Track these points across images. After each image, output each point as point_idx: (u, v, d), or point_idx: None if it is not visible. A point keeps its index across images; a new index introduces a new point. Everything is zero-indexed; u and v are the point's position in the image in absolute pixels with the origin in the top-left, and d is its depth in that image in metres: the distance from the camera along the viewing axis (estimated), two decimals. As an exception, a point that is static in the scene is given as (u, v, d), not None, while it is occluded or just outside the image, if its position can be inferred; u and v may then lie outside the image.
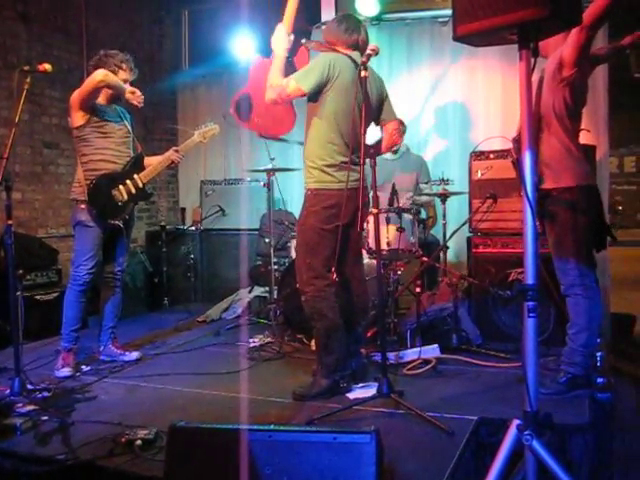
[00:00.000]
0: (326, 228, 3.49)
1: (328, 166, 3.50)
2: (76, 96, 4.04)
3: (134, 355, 4.41)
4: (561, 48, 3.27)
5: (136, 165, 4.32)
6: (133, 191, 4.25)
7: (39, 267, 5.35)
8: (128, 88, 4.15)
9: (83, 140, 4.13)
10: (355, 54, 3.58)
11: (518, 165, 2.16)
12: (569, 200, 3.34)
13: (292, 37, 3.64)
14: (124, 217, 4.24)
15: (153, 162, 4.40)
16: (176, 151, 4.45)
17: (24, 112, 3.71)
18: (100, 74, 3.98)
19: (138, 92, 4.18)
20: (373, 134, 3.72)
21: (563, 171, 3.37)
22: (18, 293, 3.58)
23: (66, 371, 4.04)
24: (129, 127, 4.36)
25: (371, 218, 4.00)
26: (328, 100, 3.49)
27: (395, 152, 5.57)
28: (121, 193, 4.20)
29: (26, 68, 3.58)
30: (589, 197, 3.40)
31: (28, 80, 3.49)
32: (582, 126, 3.54)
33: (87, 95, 4.03)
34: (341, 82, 3.46)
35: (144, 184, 4.31)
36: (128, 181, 4.24)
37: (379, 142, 3.76)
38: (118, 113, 4.31)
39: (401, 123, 5.48)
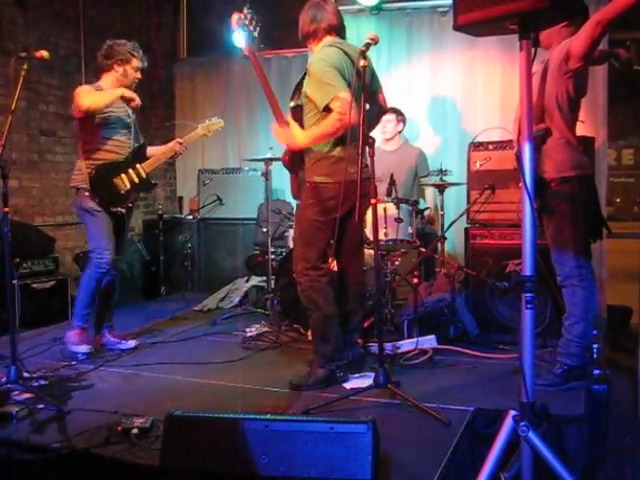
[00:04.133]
0: (322, 220, 3.49)
1: (326, 159, 3.47)
2: (82, 103, 4.00)
3: (131, 343, 4.41)
4: (569, 40, 3.25)
5: (138, 155, 4.32)
6: (136, 180, 4.25)
7: (36, 255, 5.34)
8: (126, 94, 4.17)
9: (86, 129, 4.14)
10: (338, 40, 3.53)
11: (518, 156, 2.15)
12: (569, 191, 3.34)
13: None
14: (127, 205, 4.26)
15: (156, 152, 4.41)
16: (179, 143, 4.46)
17: (21, 99, 3.67)
18: (102, 104, 4.02)
19: (137, 100, 4.22)
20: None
21: (563, 161, 3.37)
22: (14, 281, 3.55)
23: (84, 348, 4.11)
24: (132, 117, 4.36)
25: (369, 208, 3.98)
26: None
27: (389, 140, 5.55)
28: (123, 181, 4.20)
29: (23, 55, 3.55)
30: (588, 187, 3.41)
31: (25, 67, 3.46)
32: (579, 117, 3.54)
33: (92, 112, 4.04)
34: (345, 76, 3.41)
35: (147, 174, 4.31)
36: (130, 170, 4.24)
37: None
38: (122, 102, 4.29)
39: (400, 113, 5.52)
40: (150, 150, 4.43)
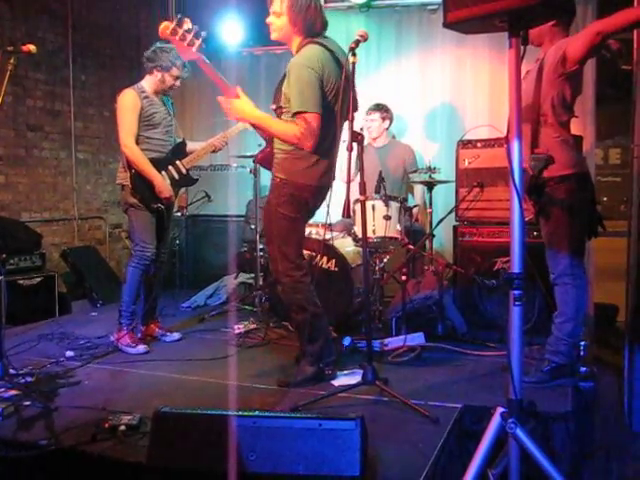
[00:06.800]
0: (298, 216, 3.46)
1: (301, 159, 3.38)
2: (125, 140, 4.15)
3: (176, 335, 4.58)
4: (565, 41, 3.28)
5: (178, 151, 4.44)
6: (176, 177, 4.39)
7: (22, 251, 5.31)
8: (161, 190, 4.23)
9: None
10: (322, 39, 3.39)
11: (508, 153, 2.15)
12: (566, 190, 3.34)
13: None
14: (167, 202, 4.33)
15: (196, 148, 4.50)
16: (220, 138, 4.54)
17: (7, 94, 3.65)
18: (137, 166, 4.17)
19: (166, 194, 4.27)
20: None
21: (560, 160, 3.36)
22: (1, 277, 3.53)
23: (142, 348, 4.21)
24: (172, 115, 4.46)
25: (358, 205, 3.99)
26: None
27: (376, 138, 5.54)
28: (163, 179, 4.29)
29: (10, 49, 3.50)
30: (585, 185, 3.41)
31: (12, 61, 3.43)
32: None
33: (124, 152, 4.20)
34: (327, 78, 3.30)
35: (188, 170, 4.43)
36: (170, 167, 4.37)
37: None
38: (163, 102, 4.41)
39: (385, 110, 5.51)
40: (190, 146, 4.54)
